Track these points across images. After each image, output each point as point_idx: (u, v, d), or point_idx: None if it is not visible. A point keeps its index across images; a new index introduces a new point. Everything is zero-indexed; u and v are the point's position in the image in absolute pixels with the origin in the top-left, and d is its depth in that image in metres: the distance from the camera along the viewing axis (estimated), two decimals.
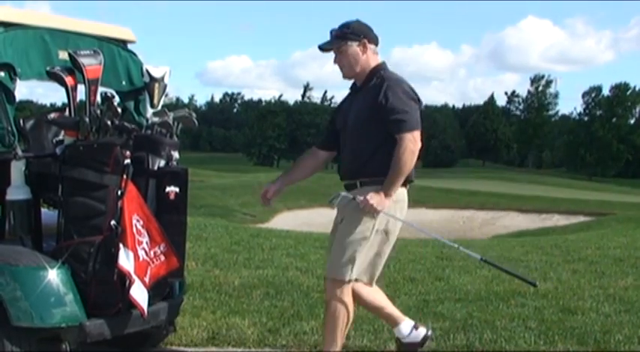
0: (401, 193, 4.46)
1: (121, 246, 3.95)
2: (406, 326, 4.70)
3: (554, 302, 6.67)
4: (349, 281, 4.39)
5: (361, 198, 4.27)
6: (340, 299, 4.41)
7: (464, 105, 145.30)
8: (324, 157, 4.74)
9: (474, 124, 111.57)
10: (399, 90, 4.33)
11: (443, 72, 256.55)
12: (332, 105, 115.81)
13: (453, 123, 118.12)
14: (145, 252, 4.09)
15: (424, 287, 7.35)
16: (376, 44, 4.50)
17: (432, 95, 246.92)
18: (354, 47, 4.43)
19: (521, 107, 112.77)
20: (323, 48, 4.49)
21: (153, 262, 4.15)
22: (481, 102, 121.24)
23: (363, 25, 4.49)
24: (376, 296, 4.71)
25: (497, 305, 6.52)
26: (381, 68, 4.48)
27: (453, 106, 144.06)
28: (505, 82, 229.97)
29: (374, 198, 4.24)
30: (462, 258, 9.53)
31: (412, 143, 4.25)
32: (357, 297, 4.54)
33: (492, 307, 6.46)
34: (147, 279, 4.10)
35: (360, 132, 4.39)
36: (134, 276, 3.98)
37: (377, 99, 4.29)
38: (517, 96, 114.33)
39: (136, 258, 4.00)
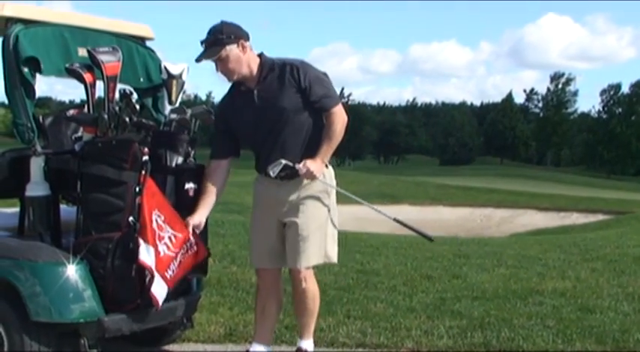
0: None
1: (141, 241, 3.97)
2: None
3: (572, 301, 6.64)
4: None
5: (300, 165, 4.34)
6: (314, 284, 4.65)
7: (482, 102, 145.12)
8: (228, 165, 4.62)
9: (492, 122, 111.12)
10: (311, 71, 4.48)
11: (462, 69, 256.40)
12: (349, 102, 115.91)
13: (471, 120, 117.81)
14: (167, 247, 4.09)
15: (441, 285, 7.34)
16: (249, 39, 4.46)
17: (450, 92, 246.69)
18: (235, 50, 4.37)
19: (539, 105, 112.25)
20: (202, 59, 4.36)
21: (179, 257, 4.17)
22: (499, 99, 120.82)
23: (232, 26, 4.41)
24: None
25: (514, 304, 6.49)
26: (267, 59, 4.50)
27: (471, 104, 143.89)
28: (524, 79, 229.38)
29: (313, 165, 4.36)
30: (480, 256, 9.52)
31: (343, 114, 4.52)
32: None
33: (510, 305, 6.44)
34: (170, 274, 4.11)
35: (292, 122, 4.42)
36: (155, 272, 4.00)
37: (298, 86, 4.40)
38: (536, 93, 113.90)
39: (157, 254, 4.02)
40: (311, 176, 4.37)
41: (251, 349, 4.70)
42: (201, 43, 4.37)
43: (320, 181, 4.46)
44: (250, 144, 4.56)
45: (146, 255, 3.96)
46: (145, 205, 3.99)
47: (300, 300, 4.66)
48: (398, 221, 4.68)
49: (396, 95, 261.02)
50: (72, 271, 3.98)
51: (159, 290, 4.06)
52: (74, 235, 4.21)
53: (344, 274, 7.61)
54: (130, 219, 4.00)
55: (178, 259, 4.17)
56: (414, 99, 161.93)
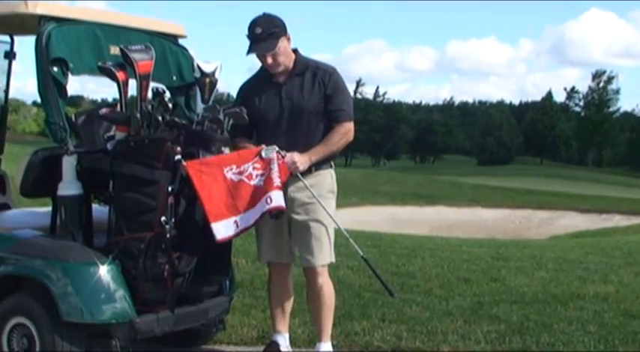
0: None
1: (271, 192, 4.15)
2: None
3: (614, 306, 6.55)
4: None
5: (288, 154, 4.41)
6: (330, 282, 4.81)
7: (520, 101, 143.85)
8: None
9: (531, 121, 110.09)
10: (341, 82, 4.70)
11: (501, 67, 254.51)
12: (384, 101, 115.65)
13: (510, 119, 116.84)
14: (259, 176, 4.25)
15: (479, 288, 7.29)
16: None
17: (488, 91, 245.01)
18: (285, 43, 4.57)
19: (580, 103, 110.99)
20: (257, 53, 4.53)
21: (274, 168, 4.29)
22: (539, 98, 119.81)
23: (279, 19, 4.61)
24: None
25: (555, 308, 6.43)
26: (302, 57, 4.70)
27: (510, 103, 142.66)
28: (565, 77, 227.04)
29: (299, 158, 4.45)
30: (519, 258, 9.45)
31: (350, 132, 4.70)
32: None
33: (550, 310, 6.37)
34: (278, 183, 4.23)
35: (309, 125, 4.62)
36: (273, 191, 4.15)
37: (324, 92, 4.60)
38: (577, 92, 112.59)
39: (269, 183, 4.19)
40: (294, 167, 4.45)
41: (274, 339, 4.89)
42: (249, 36, 4.51)
43: (300, 180, 4.52)
44: (262, 133, 4.67)
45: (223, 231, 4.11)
46: (205, 181, 4.09)
47: (317, 300, 4.77)
48: (365, 260, 4.70)
49: (432, 93, 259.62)
50: (104, 271, 4.01)
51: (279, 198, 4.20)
52: (106, 235, 4.25)
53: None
54: (163, 219, 4.02)
55: (275, 169, 4.27)
56: (451, 97, 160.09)
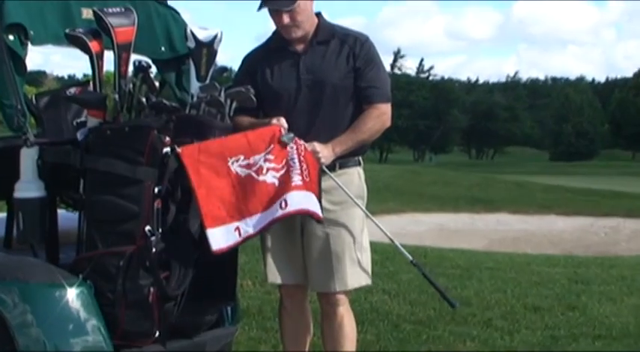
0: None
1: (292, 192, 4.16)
2: None
3: None
4: None
5: (307, 144, 4.39)
6: (351, 315, 4.80)
7: (607, 78, 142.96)
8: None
9: (621, 103, 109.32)
10: (376, 53, 4.72)
11: (582, 33, 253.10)
12: (431, 78, 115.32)
13: (593, 101, 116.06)
14: (274, 169, 4.25)
15: (552, 319, 7.28)
16: None
17: (566, 64, 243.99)
18: (306, 0, 4.58)
19: None
20: (280, 10, 4.52)
21: (298, 159, 4.29)
22: (631, 74, 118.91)
23: None
24: None
25: None
26: (326, 22, 4.73)
27: (593, 80, 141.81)
28: None
29: (323, 151, 4.45)
30: (604, 280, 9.40)
31: (386, 117, 4.68)
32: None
33: None
34: (306, 180, 4.26)
35: (336, 104, 4.62)
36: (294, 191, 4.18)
37: (354, 64, 4.61)
38: None
39: (287, 182, 4.21)
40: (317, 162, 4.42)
41: None
42: None
43: (329, 176, 4.50)
44: (274, 116, 4.62)
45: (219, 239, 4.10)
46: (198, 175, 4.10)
47: (333, 337, 4.75)
48: (417, 266, 4.67)
49: (493, 68, 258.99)
50: (72, 295, 4.04)
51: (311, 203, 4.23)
52: (76, 249, 4.28)
53: (423, 303, 7.59)
54: (147, 228, 4.04)
55: (297, 165, 4.27)
56: (517, 73, 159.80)
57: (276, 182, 4.23)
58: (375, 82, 4.64)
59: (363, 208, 4.63)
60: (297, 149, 4.29)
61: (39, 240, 4.31)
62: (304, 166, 4.26)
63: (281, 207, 4.16)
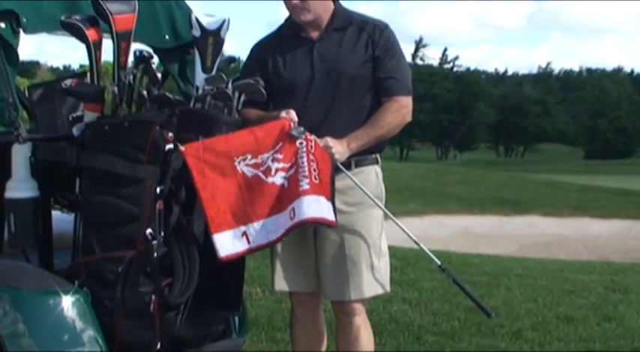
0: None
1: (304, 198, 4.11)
2: None
3: None
4: None
5: (319, 141, 4.36)
6: (368, 325, 4.77)
7: None
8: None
9: None
10: (396, 42, 4.71)
11: (622, 21, 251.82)
12: (455, 69, 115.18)
13: (631, 95, 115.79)
14: (283, 169, 4.24)
15: (587, 330, 7.27)
16: None
17: (602, 54, 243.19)
18: None
19: None
20: None
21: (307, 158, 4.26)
22: None
23: None
24: None
25: None
26: (342, 8, 4.73)
27: (632, 71, 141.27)
28: None
29: (337, 147, 4.41)
30: None
31: (407, 111, 4.67)
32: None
33: None
34: (316, 181, 4.22)
35: (353, 96, 4.59)
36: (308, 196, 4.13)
37: (373, 53, 4.59)
38: None
39: (294, 184, 4.17)
40: (332, 159, 4.37)
41: None
42: None
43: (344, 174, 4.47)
44: (284, 109, 4.61)
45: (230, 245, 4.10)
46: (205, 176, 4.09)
47: (349, 349, 4.72)
48: (445, 270, 4.64)
49: (523, 58, 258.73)
50: (67, 303, 4.03)
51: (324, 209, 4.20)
52: (71, 253, 4.28)
53: (446, 313, 7.58)
54: (148, 231, 4.03)
55: (305, 165, 4.23)
56: (549, 64, 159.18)
57: (286, 183, 4.21)
58: (394, 73, 4.62)
59: (383, 208, 4.60)
60: (306, 146, 4.26)
61: (32, 243, 4.31)
62: (313, 166, 4.23)
63: (290, 217, 4.15)
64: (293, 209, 4.13)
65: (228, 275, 4.40)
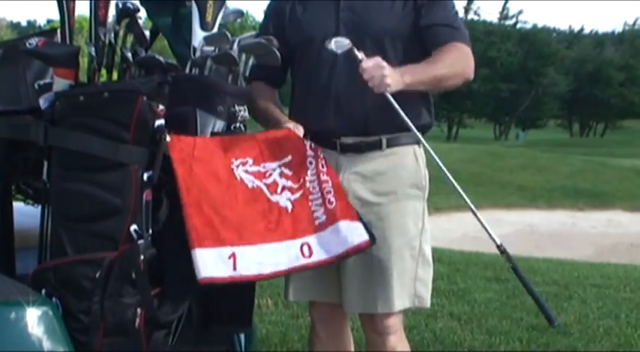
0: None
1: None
2: None
3: None
4: None
5: (370, 60, 4.29)
6: (405, 342, 4.83)
7: None
8: (273, 95, 4.85)
9: None
10: None
11: None
12: (517, 25, 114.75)
13: None
14: (291, 190, 4.23)
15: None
16: None
17: None
18: None
19: None
20: None
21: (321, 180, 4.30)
22: None
23: None
24: None
25: None
26: None
27: None
28: None
29: (393, 75, 4.27)
30: None
31: (470, 61, 4.62)
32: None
33: None
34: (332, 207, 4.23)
35: (381, 52, 4.47)
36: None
37: (415, 1, 4.59)
38: None
39: (304, 211, 4.18)
40: (377, 83, 4.26)
41: None
42: None
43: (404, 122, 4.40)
44: (301, 75, 4.67)
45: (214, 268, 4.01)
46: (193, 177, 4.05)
47: None
48: (504, 251, 4.54)
49: (604, 14, 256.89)
50: (32, 317, 4.05)
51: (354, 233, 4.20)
52: (37, 255, 4.32)
53: (505, 332, 7.61)
54: (133, 228, 4.03)
55: (317, 189, 4.27)
56: (637, 20, 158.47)
57: (290, 207, 4.19)
58: (447, 20, 4.61)
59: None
60: (316, 166, 4.28)
61: None
62: (326, 188, 4.26)
63: (303, 254, 4.11)
64: (307, 244, 4.12)
65: (234, 285, 4.38)
